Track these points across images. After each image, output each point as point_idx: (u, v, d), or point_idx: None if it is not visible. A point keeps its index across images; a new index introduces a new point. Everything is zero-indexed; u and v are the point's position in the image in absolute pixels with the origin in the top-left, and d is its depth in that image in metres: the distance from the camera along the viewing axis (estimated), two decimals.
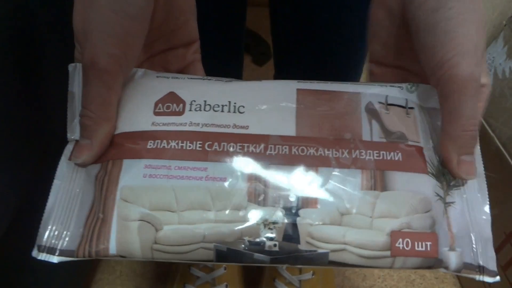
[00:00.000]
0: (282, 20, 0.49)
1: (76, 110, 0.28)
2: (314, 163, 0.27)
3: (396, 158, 0.28)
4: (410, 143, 0.29)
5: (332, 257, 0.26)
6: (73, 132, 0.28)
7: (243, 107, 0.29)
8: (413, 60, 0.30)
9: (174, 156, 0.27)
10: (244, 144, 0.28)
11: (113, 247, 0.26)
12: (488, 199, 0.29)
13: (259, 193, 0.27)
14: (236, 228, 0.26)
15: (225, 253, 0.27)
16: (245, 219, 0.26)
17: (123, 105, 0.29)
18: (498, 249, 0.51)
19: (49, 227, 0.27)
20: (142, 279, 0.60)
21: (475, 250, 0.28)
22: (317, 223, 0.27)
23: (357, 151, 0.28)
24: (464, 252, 0.27)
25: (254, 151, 0.28)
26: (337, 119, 0.29)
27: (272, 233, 0.26)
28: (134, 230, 0.26)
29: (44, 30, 0.34)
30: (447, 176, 0.28)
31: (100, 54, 0.25)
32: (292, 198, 0.27)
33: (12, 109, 0.31)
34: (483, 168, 0.29)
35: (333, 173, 0.27)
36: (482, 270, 0.27)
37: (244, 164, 0.27)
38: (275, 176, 0.27)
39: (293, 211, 0.27)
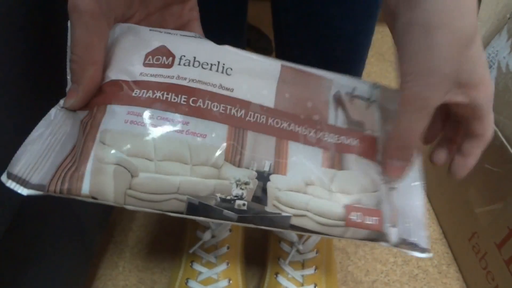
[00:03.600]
0: (284, 15, 0.48)
1: None
2: (286, 136, 0.30)
3: (353, 144, 0.31)
4: (366, 132, 0.32)
5: (294, 221, 0.28)
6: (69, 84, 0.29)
7: (231, 69, 0.30)
8: None
9: (157, 106, 0.28)
10: (227, 106, 0.29)
11: (86, 187, 0.26)
12: (422, 190, 0.33)
13: (235, 153, 0.28)
14: (210, 184, 0.27)
15: (196, 207, 0.27)
16: (219, 176, 0.27)
17: (114, 55, 0.29)
18: (501, 244, 0.51)
19: (24, 159, 0.26)
20: (145, 274, 0.60)
21: (410, 229, 0.31)
22: (285, 188, 0.29)
23: (321, 133, 0.31)
24: (402, 230, 0.31)
25: (235, 115, 0.29)
26: (310, 100, 0.32)
27: (242, 193, 0.28)
28: (109, 173, 0.26)
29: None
30: None
31: None
32: (266, 164, 0.29)
33: (13, 107, 0.31)
34: (420, 168, 0.33)
35: (300, 148, 0.30)
36: (414, 246, 0.30)
37: (225, 125, 0.28)
38: (252, 141, 0.29)
39: (265, 175, 0.28)
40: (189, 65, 0.29)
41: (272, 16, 0.51)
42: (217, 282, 0.51)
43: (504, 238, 0.51)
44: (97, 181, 0.26)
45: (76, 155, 0.27)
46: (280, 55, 0.56)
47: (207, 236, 0.53)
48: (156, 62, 0.29)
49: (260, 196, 0.28)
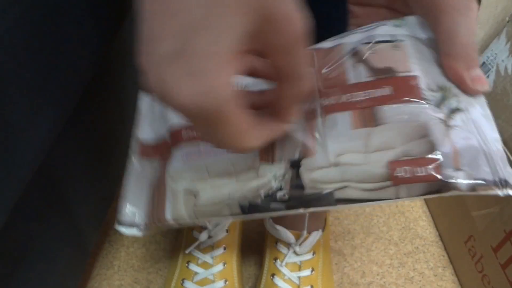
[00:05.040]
0: None
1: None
2: (306, 118, 0.30)
3: (385, 93, 0.29)
4: (400, 75, 0.29)
5: (338, 195, 0.28)
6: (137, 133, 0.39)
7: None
8: None
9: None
10: None
11: (168, 214, 0.33)
12: (493, 120, 0.28)
13: (267, 153, 0.31)
14: (253, 185, 0.30)
15: (247, 207, 0.31)
16: (258, 176, 0.30)
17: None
18: (498, 247, 0.51)
19: (126, 207, 0.35)
20: (140, 274, 0.60)
21: (492, 167, 0.26)
22: (316, 168, 0.29)
23: (344, 96, 0.30)
24: (477, 170, 0.26)
25: None
26: (321, 74, 0.31)
27: (281, 184, 0.30)
28: (180, 199, 0.33)
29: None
30: (449, 100, 0.28)
31: None
32: (294, 152, 0.30)
33: (9, 106, 0.31)
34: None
35: (323, 121, 0.30)
36: (504, 183, 0.25)
37: None
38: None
39: (296, 162, 0.30)
40: None
41: None
42: (213, 283, 0.51)
43: (500, 241, 0.51)
44: (174, 207, 0.33)
45: (156, 193, 0.34)
46: None
47: (203, 236, 0.53)
48: None
49: (297, 183, 0.29)
